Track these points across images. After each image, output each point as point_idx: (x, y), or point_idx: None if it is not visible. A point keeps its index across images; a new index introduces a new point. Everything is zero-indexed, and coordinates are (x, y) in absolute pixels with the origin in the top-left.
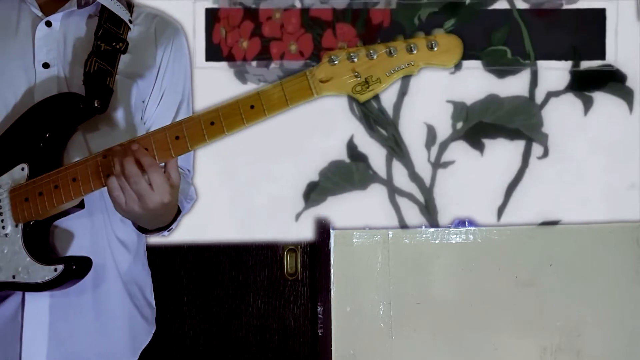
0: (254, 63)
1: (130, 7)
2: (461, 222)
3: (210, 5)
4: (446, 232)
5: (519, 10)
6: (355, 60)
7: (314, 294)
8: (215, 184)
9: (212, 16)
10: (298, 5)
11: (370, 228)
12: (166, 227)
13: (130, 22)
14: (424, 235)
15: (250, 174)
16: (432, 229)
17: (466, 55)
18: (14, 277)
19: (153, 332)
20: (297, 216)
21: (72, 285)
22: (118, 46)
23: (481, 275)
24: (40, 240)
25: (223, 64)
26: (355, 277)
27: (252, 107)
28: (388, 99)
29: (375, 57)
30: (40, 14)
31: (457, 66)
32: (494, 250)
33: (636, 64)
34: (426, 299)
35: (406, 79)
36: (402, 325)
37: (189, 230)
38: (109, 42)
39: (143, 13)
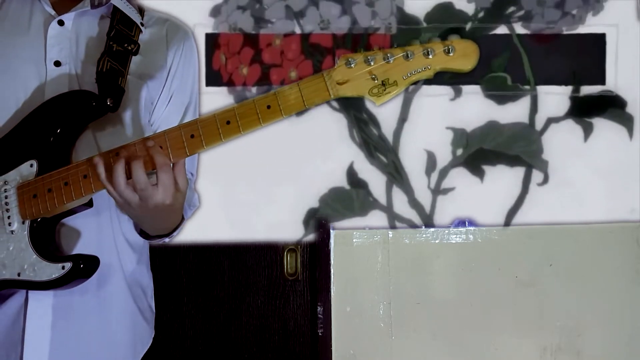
0: (254, 89)
1: (141, 12)
2: (461, 222)
3: (210, 30)
4: (446, 232)
5: (519, 36)
6: (372, 63)
7: (314, 294)
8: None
9: (212, 42)
10: (298, 31)
11: (370, 228)
12: (168, 234)
13: (142, 24)
14: (424, 235)
15: (250, 198)
16: (432, 229)
17: (466, 82)
18: (19, 274)
19: (152, 336)
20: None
21: (78, 284)
22: (130, 47)
23: (481, 275)
24: (47, 238)
25: (223, 90)
26: (355, 277)
27: (268, 107)
28: (388, 125)
29: (392, 60)
30: (53, 12)
31: (457, 93)
32: (494, 250)
33: (636, 90)
34: (426, 299)
35: (406, 105)
36: (402, 325)
37: (189, 230)
38: (120, 43)
39: (154, 17)
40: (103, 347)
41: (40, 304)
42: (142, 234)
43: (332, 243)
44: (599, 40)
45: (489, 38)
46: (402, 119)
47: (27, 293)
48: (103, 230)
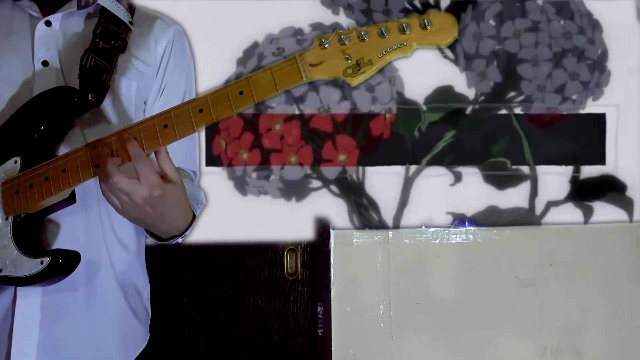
0: (254, 175)
1: (132, 10)
2: (461, 222)
3: None
4: (446, 232)
5: (519, 120)
6: (347, 42)
7: (314, 294)
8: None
9: (212, 126)
10: (297, 112)
11: (370, 228)
12: (181, 234)
13: (131, 23)
14: (424, 235)
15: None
16: (432, 229)
17: (466, 166)
18: (1, 270)
19: (147, 339)
20: None
21: (59, 280)
22: (117, 44)
23: (481, 275)
24: (30, 234)
25: (223, 172)
26: (355, 277)
27: (241, 92)
28: (388, 210)
29: (366, 38)
30: (38, 14)
31: (457, 178)
32: (494, 250)
33: (636, 172)
34: (426, 299)
35: (406, 190)
36: (402, 325)
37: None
38: (107, 40)
39: (144, 15)
40: (92, 346)
41: (29, 302)
42: (154, 236)
43: (332, 243)
44: (599, 120)
45: (489, 121)
46: (402, 203)
47: (15, 291)
48: (91, 227)
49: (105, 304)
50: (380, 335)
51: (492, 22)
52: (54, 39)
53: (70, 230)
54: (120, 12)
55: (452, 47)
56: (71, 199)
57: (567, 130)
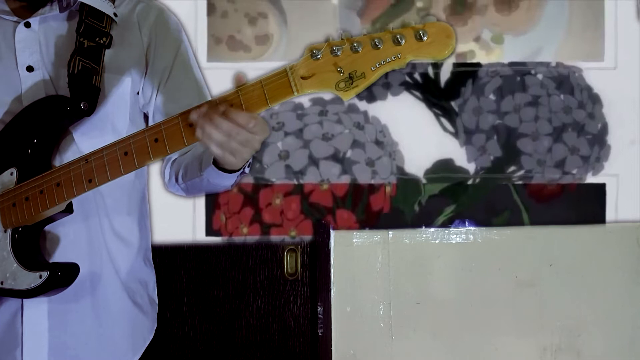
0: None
1: None
2: (461, 222)
3: None
4: (446, 232)
5: (519, 192)
6: (339, 54)
7: (314, 294)
8: None
9: (212, 201)
10: (295, 181)
11: (370, 228)
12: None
13: (116, 15)
14: (424, 235)
15: None
16: (432, 229)
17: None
18: (2, 283)
19: (155, 328)
20: None
21: (60, 291)
22: (102, 41)
23: (481, 275)
24: (29, 246)
25: (223, 242)
26: (355, 277)
27: (231, 105)
28: None
29: (360, 49)
30: (15, 19)
31: None
32: (494, 250)
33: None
34: (426, 299)
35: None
36: (402, 325)
37: (190, 230)
38: (92, 38)
39: (123, 2)
40: (101, 347)
41: (36, 310)
42: (224, 170)
43: (332, 243)
44: (599, 191)
45: (489, 194)
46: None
47: (22, 300)
48: (91, 234)
49: (111, 305)
50: (380, 335)
51: (492, 97)
52: (36, 42)
53: (70, 238)
54: (103, 5)
55: (452, 121)
56: (68, 210)
57: (567, 202)
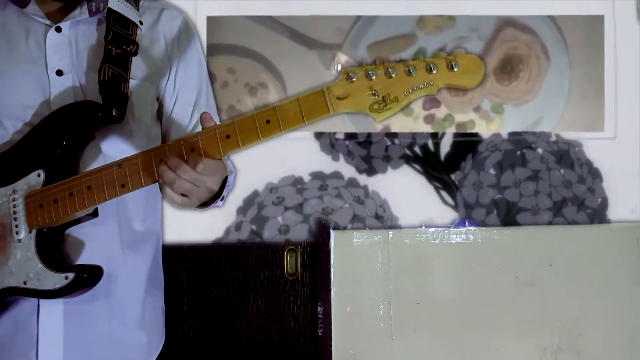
0: None
1: (136, 2)
2: (461, 222)
3: None
4: (446, 232)
5: None
6: (374, 78)
7: (314, 294)
8: None
9: None
10: None
11: (370, 228)
12: (218, 194)
13: (141, 23)
14: (424, 235)
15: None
16: (432, 229)
17: None
18: (25, 283)
19: (164, 333)
20: None
21: (82, 292)
22: (129, 49)
23: (481, 275)
24: (53, 247)
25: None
26: (355, 277)
27: (268, 121)
28: None
29: (393, 75)
30: (48, 22)
31: None
32: (494, 250)
33: None
34: (426, 299)
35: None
36: (402, 325)
37: (189, 230)
38: (119, 46)
39: (148, 9)
40: (116, 350)
41: (52, 310)
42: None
43: (332, 243)
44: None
45: None
46: None
47: (38, 300)
48: (110, 237)
49: (127, 309)
50: (380, 335)
51: (492, 171)
52: (66, 46)
53: (90, 241)
54: (130, 12)
55: (452, 194)
56: (94, 213)
57: None
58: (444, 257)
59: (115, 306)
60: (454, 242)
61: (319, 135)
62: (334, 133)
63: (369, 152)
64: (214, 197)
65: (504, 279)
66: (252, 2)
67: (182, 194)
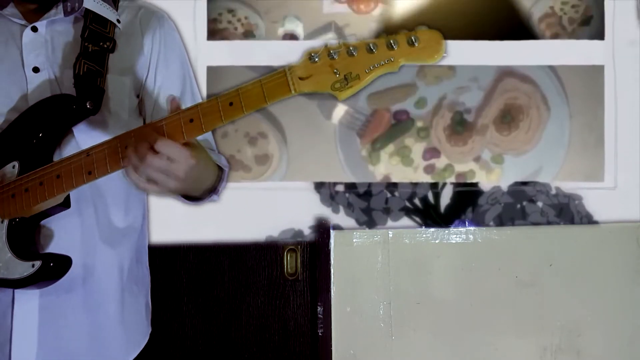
0: None
1: (115, 2)
2: (461, 222)
3: None
4: (446, 232)
5: None
6: (336, 57)
7: (314, 294)
8: None
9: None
10: None
11: (370, 228)
12: (213, 188)
13: (119, 21)
14: (424, 235)
15: None
16: (432, 229)
17: None
18: None
19: (149, 332)
20: None
21: (52, 283)
22: (106, 45)
23: (481, 275)
24: (25, 237)
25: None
26: (355, 277)
27: (231, 104)
28: None
29: (355, 53)
30: (24, 22)
31: None
32: (494, 250)
33: None
34: (426, 299)
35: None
36: (402, 325)
37: (189, 230)
38: (96, 43)
39: (127, 7)
40: (93, 346)
41: (27, 304)
42: (190, 198)
43: (332, 243)
44: None
45: None
46: None
47: (13, 294)
48: (87, 229)
49: (104, 303)
50: (380, 335)
51: (492, 224)
52: (42, 45)
53: (65, 233)
54: (106, 12)
55: None
56: (66, 204)
57: None
58: (443, 257)
59: (92, 301)
60: (453, 242)
61: (319, 187)
62: (334, 184)
63: (369, 204)
64: (209, 192)
65: (504, 279)
66: (252, 52)
67: (149, 180)
